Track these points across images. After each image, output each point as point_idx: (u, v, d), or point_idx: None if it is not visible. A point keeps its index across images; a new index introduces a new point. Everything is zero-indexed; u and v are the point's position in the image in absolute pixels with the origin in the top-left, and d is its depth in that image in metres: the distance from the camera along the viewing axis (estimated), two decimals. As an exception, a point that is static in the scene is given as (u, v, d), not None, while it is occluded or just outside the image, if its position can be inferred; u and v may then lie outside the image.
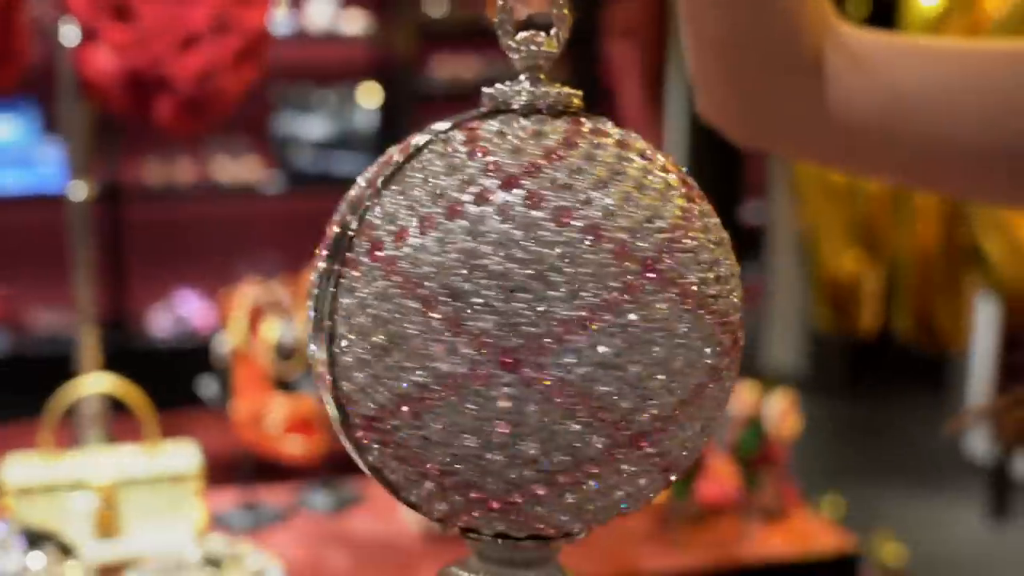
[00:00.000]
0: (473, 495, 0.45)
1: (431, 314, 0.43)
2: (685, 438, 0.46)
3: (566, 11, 0.49)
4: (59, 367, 2.25)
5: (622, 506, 0.47)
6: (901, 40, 0.81)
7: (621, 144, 0.47)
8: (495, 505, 0.45)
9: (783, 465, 2.03)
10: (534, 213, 0.43)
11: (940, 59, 0.78)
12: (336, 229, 0.47)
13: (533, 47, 0.49)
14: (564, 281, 0.42)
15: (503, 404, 0.42)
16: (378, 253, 0.45)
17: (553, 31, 0.49)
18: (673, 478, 0.48)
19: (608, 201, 0.44)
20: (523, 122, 0.47)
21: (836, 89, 0.78)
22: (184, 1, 1.54)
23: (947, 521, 3.80)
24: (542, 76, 0.49)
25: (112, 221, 3.87)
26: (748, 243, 5.44)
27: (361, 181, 0.48)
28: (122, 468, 1.76)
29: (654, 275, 0.43)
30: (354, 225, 0.46)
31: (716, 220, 0.48)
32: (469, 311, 0.42)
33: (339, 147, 4.03)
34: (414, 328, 0.43)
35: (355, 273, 0.45)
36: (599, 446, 0.43)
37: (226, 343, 1.93)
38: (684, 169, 0.49)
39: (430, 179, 0.45)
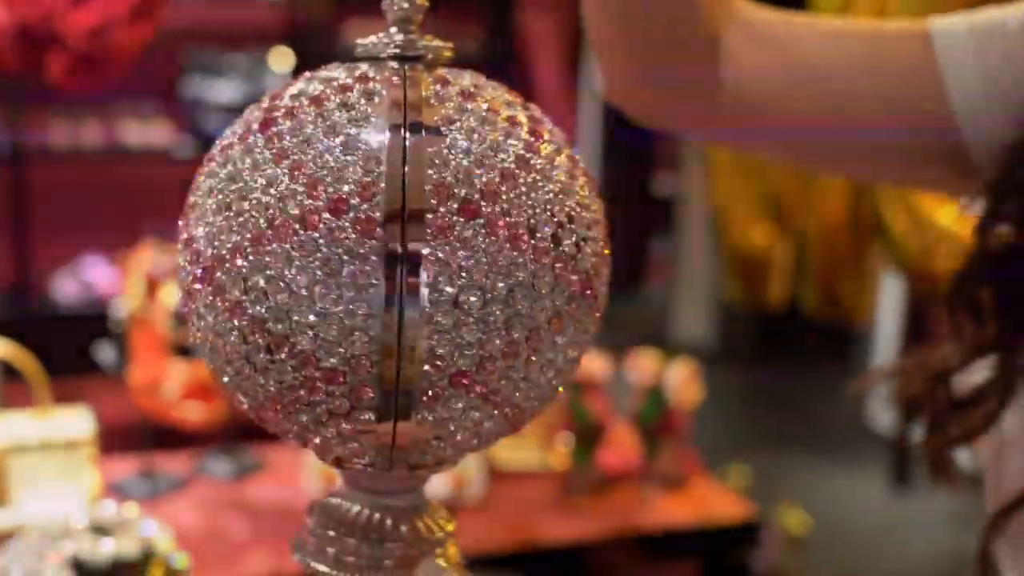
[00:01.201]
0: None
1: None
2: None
3: None
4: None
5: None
6: (802, 19, 0.79)
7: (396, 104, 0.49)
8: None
9: (684, 434, 2.05)
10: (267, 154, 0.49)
11: (842, 39, 0.77)
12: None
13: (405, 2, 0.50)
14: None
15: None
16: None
17: None
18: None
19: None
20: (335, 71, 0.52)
21: (734, 67, 0.77)
22: (78, -45, 1.50)
23: (851, 490, 3.87)
24: (413, 28, 0.49)
25: (16, 184, 3.77)
26: (659, 215, 5.48)
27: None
28: (13, 434, 1.72)
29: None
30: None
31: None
32: None
33: (250, 112, 3.96)
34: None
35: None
36: None
37: (123, 308, 1.89)
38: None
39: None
